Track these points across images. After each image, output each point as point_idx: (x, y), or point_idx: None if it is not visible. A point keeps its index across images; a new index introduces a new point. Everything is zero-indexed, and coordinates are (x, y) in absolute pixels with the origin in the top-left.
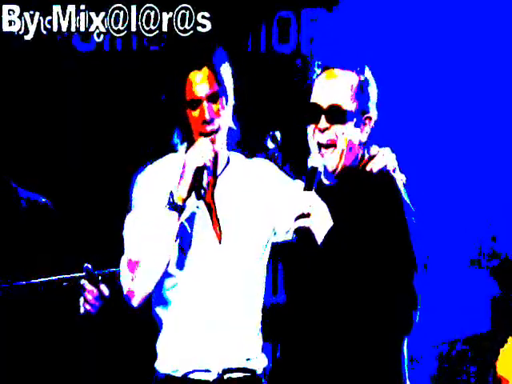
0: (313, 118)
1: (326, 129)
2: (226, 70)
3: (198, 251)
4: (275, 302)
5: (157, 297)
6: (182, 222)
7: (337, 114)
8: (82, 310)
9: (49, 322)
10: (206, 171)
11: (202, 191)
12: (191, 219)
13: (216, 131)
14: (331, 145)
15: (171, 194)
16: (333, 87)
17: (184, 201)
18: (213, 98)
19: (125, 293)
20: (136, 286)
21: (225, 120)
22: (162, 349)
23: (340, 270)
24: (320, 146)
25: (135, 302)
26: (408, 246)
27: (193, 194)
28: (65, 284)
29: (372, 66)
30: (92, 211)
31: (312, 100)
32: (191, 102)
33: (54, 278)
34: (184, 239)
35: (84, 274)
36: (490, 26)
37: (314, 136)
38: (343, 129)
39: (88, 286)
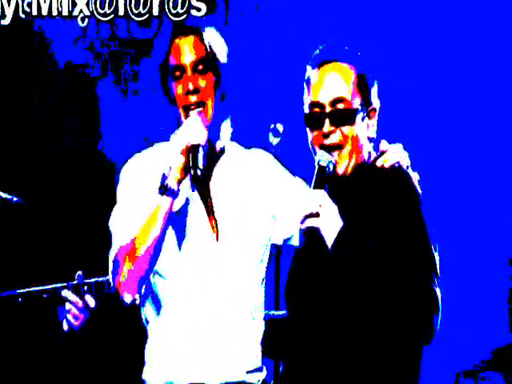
0: (314, 123)
1: (331, 132)
2: (217, 43)
3: (192, 249)
4: (277, 316)
5: (144, 300)
6: (173, 213)
7: (341, 115)
8: (64, 325)
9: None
10: (201, 150)
11: (199, 172)
12: (184, 213)
13: (201, 105)
14: (338, 146)
15: (163, 176)
16: (333, 81)
17: (178, 183)
18: (198, 67)
19: (115, 286)
20: (125, 273)
21: (214, 100)
22: (150, 358)
23: (352, 275)
24: (324, 148)
25: (126, 296)
26: (426, 247)
27: (187, 178)
28: (46, 295)
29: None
30: (69, 213)
31: (309, 100)
32: (174, 68)
33: (34, 288)
34: (177, 232)
35: (67, 283)
36: (490, 19)
37: (318, 140)
38: (350, 130)
39: (72, 298)
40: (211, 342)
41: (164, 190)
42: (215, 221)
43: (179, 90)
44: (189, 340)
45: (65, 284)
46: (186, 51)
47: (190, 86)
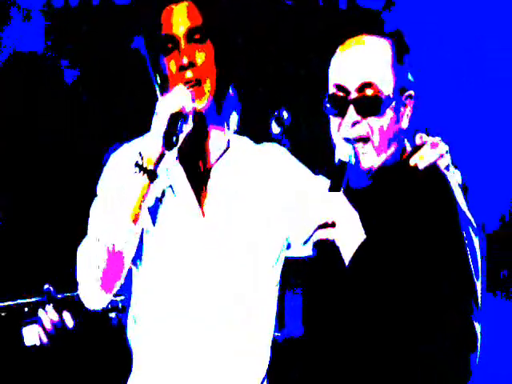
0: (337, 108)
1: (356, 122)
2: (216, 9)
3: (177, 252)
4: (281, 337)
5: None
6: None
7: (370, 103)
8: (36, 340)
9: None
10: (182, 121)
11: (174, 138)
12: (169, 208)
13: (198, 83)
14: (363, 139)
15: (139, 155)
16: (362, 60)
17: (156, 163)
18: (194, 35)
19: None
20: (93, 273)
21: (215, 76)
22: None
23: (373, 297)
24: (348, 140)
25: (95, 302)
26: (466, 273)
27: (169, 158)
28: (26, 309)
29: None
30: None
31: (333, 81)
32: (165, 40)
33: (11, 302)
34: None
35: (44, 298)
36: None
37: (339, 130)
38: (379, 120)
39: (50, 313)
40: (200, 373)
41: (139, 168)
42: (203, 206)
43: (172, 65)
44: (172, 370)
45: (42, 298)
46: (179, 19)
47: (184, 60)
